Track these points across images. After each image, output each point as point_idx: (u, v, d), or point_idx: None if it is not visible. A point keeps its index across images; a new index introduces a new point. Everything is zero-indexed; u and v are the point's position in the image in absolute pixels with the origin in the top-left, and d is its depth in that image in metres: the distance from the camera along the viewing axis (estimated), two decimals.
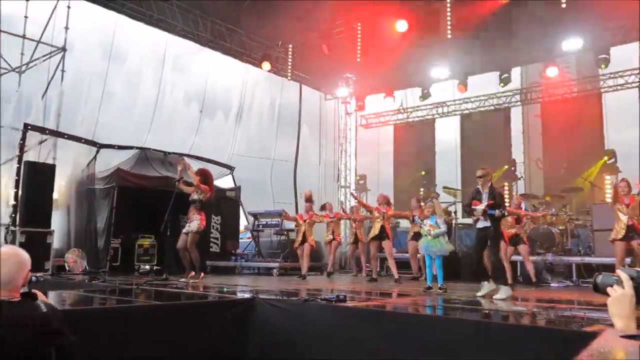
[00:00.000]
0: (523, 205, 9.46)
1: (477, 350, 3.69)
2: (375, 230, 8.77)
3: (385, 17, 10.88)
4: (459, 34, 10.51)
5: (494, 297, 5.77)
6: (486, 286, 6.03)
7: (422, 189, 14.04)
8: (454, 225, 11.35)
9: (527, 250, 8.43)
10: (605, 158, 11.40)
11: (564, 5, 9.50)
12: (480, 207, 6.04)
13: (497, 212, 5.98)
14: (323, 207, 10.79)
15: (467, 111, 14.70)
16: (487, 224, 6.08)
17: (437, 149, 15.07)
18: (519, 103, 14.24)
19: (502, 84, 12.75)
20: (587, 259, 9.03)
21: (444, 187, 13.06)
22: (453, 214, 11.56)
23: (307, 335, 4.69)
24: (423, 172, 14.52)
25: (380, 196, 9.29)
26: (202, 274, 8.05)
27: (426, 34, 10.89)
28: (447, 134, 14.93)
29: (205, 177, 8.07)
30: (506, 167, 12.98)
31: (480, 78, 13.57)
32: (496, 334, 3.73)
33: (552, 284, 8.89)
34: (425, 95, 13.96)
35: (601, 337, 1.36)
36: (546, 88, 13.63)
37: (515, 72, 13.44)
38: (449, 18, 10.21)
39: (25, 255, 2.57)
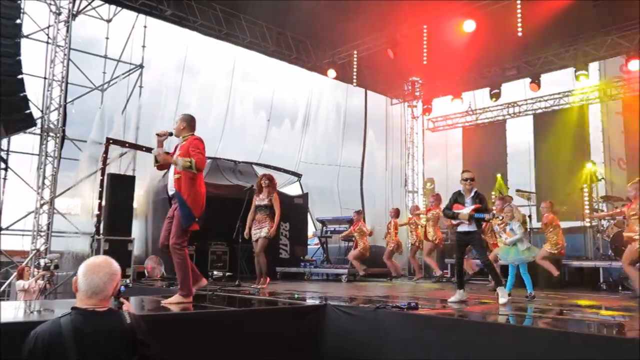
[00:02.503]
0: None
1: None
2: None
3: (451, 18, 10.66)
4: (530, 30, 10.10)
5: (499, 302, 5.55)
6: (460, 293, 5.84)
7: (493, 193, 13.56)
8: (529, 229, 10.89)
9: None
10: None
11: None
12: (466, 210, 5.76)
13: (487, 216, 5.76)
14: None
15: (540, 110, 14.08)
16: (472, 228, 5.81)
17: (508, 151, 14.52)
18: (597, 100, 13.46)
19: (579, 79, 12.08)
20: None
21: (517, 191, 12.51)
22: (528, 219, 11.09)
23: (379, 343, 4.64)
24: (499, 176, 14.02)
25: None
26: (268, 280, 8.18)
27: (495, 32, 10.57)
28: (520, 135, 14.37)
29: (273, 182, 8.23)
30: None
31: (554, 75, 12.97)
32: (578, 345, 3.53)
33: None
34: (495, 96, 13.52)
35: None
36: (628, 83, 12.80)
37: (593, 67, 12.73)
38: (519, 14, 9.84)
39: (116, 267, 2.61)
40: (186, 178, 5.12)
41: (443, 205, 6.94)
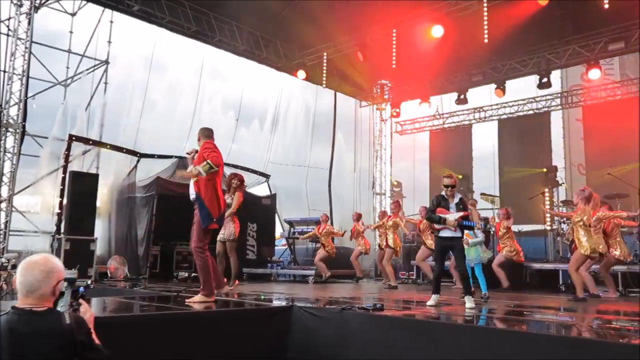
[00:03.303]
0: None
1: None
2: None
3: (420, 23, 10.80)
4: (496, 37, 10.34)
5: (466, 306, 5.56)
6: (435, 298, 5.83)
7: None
8: (492, 232, 11.14)
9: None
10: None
11: (606, 6, 9.23)
12: (454, 217, 5.67)
13: (477, 224, 5.87)
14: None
15: (505, 116, 14.41)
16: (457, 234, 5.75)
17: (474, 155, 14.82)
18: (559, 107, 13.87)
19: (541, 87, 12.41)
20: (635, 268, 8.67)
21: (482, 194, 12.81)
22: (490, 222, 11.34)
23: (346, 344, 4.66)
24: (460, 176, 14.26)
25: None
26: (237, 282, 8.10)
27: (462, 38, 10.77)
28: (485, 140, 14.68)
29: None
30: (544, 169, 12.64)
31: (518, 82, 13.30)
32: (542, 345, 3.62)
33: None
34: (461, 101, 13.77)
35: None
36: (588, 91, 13.24)
37: (555, 75, 13.11)
38: (485, 22, 10.05)
39: (54, 264, 2.48)
40: (203, 180, 5.45)
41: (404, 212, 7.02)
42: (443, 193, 5.93)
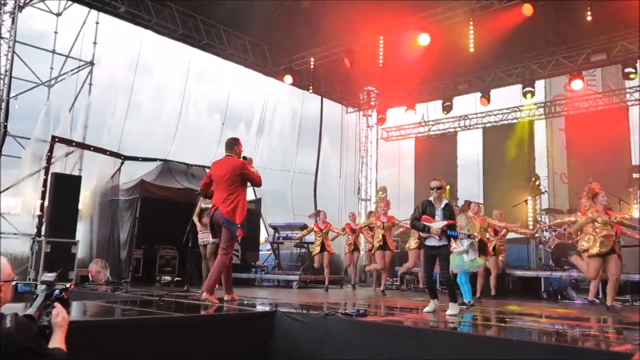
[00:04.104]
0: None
1: None
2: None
3: (407, 31, 10.88)
4: (482, 47, 10.47)
5: (447, 313, 5.53)
6: (435, 303, 5.86)
7: None
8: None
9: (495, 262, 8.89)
10: None
11: (589, 18, 9.40)
12: (438, 225, 5.59)
13: (460, 235, 5.74)
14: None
15: (489, 124, 14.56)
16: (442, 242, 5.65)
17: (459, 163, 14.93)
18: (542, 116, 14.05)
19: (526, 97, 12.57)
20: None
21: (466, 202, 12.89)
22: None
23: (328, 350, 4.65)
24: (449, 186, 14.34)
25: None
26: (218, 286, 8.05)
27: (449, 47, 10.87)
28: (469, 148, 14.79)
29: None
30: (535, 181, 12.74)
31: (502, 91, 13.45)
32: (522, 352, 3.65)
33: (576, 301, 8.71)
34: (447, 108, 13.89)
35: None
36: (571, 101, 13.44)
37: (539, 85, 13.29)
38: (471, 31, 10.17)
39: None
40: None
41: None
42: (430, 198, 5.85)
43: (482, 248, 7.48)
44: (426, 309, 5.82)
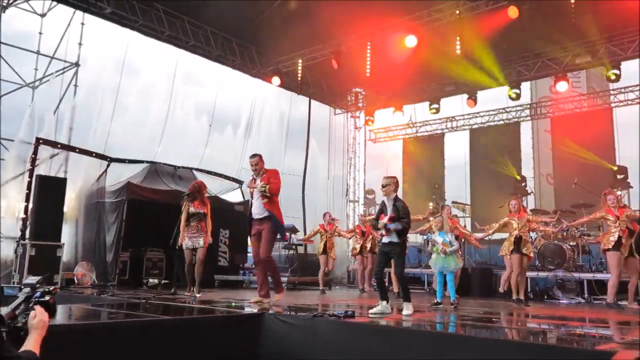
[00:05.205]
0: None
1: None
2: None
3: (394, 32, 10.93)
4: (468, 49, 10.55)
5: (403, 313, 5.50)
6: (383, 305, 5.59)
7: (431, 204, 13.98)
8: (463, 240, 11.28)
9: None
10: None
11: (574, 21, 9.51)
12: (382, 221, 5.63)
13: (392, 227, 5.53)
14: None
15: (476, 126, 14.67)
16: (393, 239, 5.58)
17: (446, 164, 15.03)
18: (528, 118, 14.19)
19: (512, 99, 12.67)
20: (599, 276, 8.90)
21: (453, 202, 12.99)
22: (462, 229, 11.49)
23: (317, 351, 4.64)
24: (437, 185, 14.44)
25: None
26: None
27: (436, 49, 10.93)
28: (457, 149, 14.91)
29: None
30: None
31: (489, 92, 13.56)
32: (507, 352, 3.67)
33: (562, 301, 8.80)
34: (434, 110, 13.96)
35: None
36: (556, 103, 13.59)
37: (525, 87, 13.41)
38: (458, 34, 10.23)
39: None
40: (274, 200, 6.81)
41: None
42: (384, 198, 5.84)
43: None
44: (372, 311, 5.49)
